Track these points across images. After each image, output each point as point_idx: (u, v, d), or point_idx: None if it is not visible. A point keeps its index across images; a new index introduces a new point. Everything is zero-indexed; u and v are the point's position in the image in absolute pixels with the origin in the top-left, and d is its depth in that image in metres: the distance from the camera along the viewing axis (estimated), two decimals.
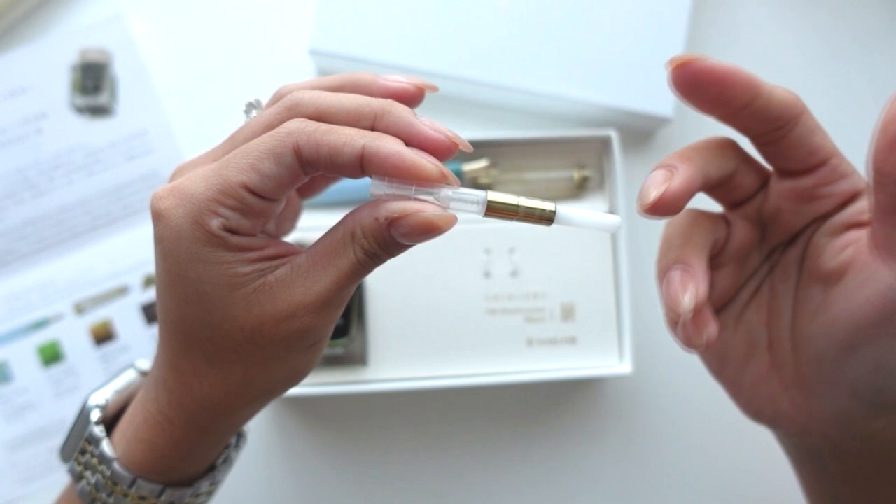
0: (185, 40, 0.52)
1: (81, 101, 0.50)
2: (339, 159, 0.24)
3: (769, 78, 0.26)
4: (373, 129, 0.25)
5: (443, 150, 0.25)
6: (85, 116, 0.51)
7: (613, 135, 0.47)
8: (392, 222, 0.24)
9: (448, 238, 0.47)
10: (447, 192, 0.25)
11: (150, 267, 0.50)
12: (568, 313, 0.46)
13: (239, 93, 0.51)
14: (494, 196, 0.25)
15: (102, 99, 0.50)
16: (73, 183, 0.50)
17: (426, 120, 0.25)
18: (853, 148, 0.53)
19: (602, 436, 0.50)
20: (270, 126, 0.26)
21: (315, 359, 0.29)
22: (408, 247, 0.25)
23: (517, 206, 0.25)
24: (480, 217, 0.26)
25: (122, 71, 0.51)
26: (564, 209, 0.25)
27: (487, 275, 0.46)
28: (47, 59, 0.51)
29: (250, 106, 0.30)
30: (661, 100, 0.48)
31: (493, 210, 0.25)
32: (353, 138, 0.24)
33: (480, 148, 0.48)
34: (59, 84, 0.50)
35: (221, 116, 0.50)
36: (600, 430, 0.50)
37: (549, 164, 0.48)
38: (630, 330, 0.45)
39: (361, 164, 0.24)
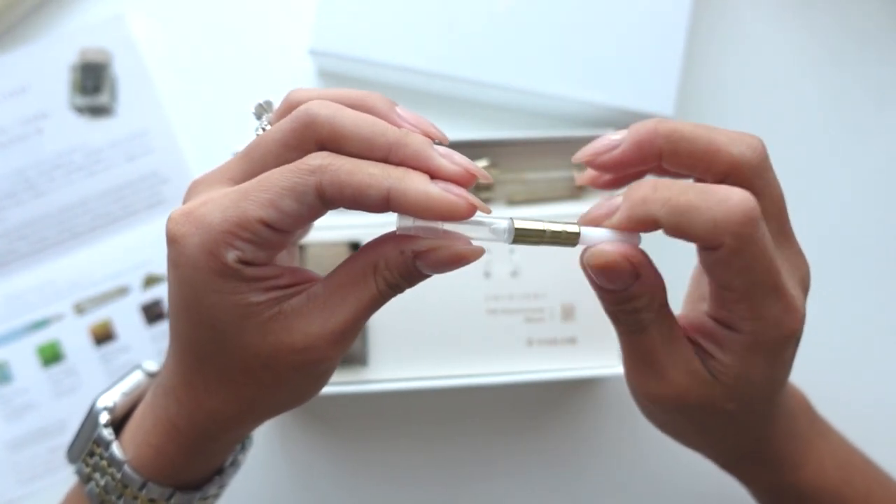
0: (185, 40, 0.52)
1: (81, 101, 0.50)
2: (363, 200, 0.24)
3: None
4: (387, 159, 0.25)
5: (460, 184, 0.25)
6: (85, 116, 0.51)
7: None
8: (418, 255, 0.25)
9: None
10: (476, 221, 0.25)
11: (151, 267, 0.50)
12: (568, 313, 0.46)
13: (239, 92, 0.51)
14: (521, 224, 0.26)
15: (102, 99, 0.50)
16: (73, 183, 0.50)
17: (443, 150, 0.25)
18: (852, 149, 0.53)
19: (602, 436, 0.50)
20: (286, 144, 0.25)
21: (324, 383, 0.29)
22: (429, 276, 0.26)
23: (543, 231, 0.26)
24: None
25: (122, 71, 0.51)
26: (588, 230, 0.27)
27: (487, 275, 0.46)
28: (47, 59, 0.51)
29: (261, 108, 0.29)
30: (661, 100, 0.48)
31: (521, 238, 0.26)
32: (379, 180, 0.24)
33: (480, 148, 0.48)
34: (59, 84, 0.50)
35: (222, 116, 0.51)
36: (600, 430, 0.50)
37: (549, 164, 0.48)
38: None
39: (387, 205, 0.24)
